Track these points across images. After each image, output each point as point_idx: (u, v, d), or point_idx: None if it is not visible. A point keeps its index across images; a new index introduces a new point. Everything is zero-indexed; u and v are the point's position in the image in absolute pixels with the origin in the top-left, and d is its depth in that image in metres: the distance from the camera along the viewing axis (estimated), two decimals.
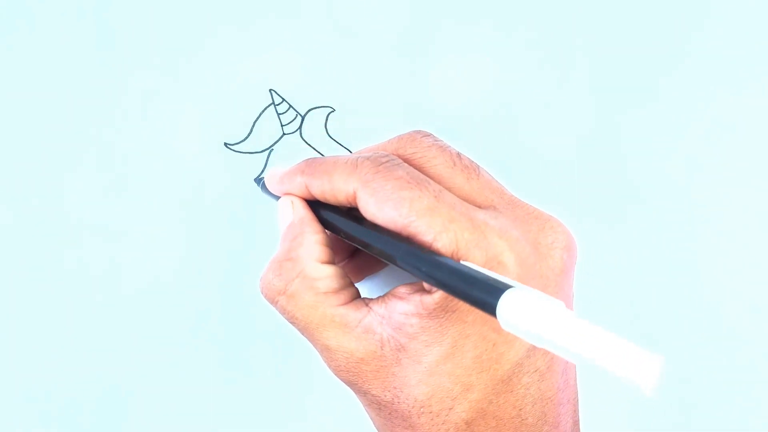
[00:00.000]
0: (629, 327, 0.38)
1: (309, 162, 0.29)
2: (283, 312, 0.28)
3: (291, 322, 0.29)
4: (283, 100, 0.40)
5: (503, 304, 0.19)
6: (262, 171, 0.40)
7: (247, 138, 0.40)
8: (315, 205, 0.29)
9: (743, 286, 0.39)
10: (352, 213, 0.28)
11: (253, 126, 0.40)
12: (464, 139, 0.39)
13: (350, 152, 0.40)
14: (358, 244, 0.27)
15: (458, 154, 0.28)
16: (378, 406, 0.28)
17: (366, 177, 0.26)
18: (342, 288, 0.28)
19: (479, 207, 0.27)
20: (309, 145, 0.40)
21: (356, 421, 0.38)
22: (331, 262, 0.28)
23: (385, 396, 0.27)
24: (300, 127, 0.40)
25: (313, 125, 0.40)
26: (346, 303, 0.27)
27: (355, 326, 0.27)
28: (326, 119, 0.40)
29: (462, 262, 0.23)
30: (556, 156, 0.39)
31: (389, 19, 0.39)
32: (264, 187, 0.33)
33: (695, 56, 0.39)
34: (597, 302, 0.38)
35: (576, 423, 0.29)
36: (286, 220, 0.29)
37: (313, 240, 0.28)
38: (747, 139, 0.39)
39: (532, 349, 0.26)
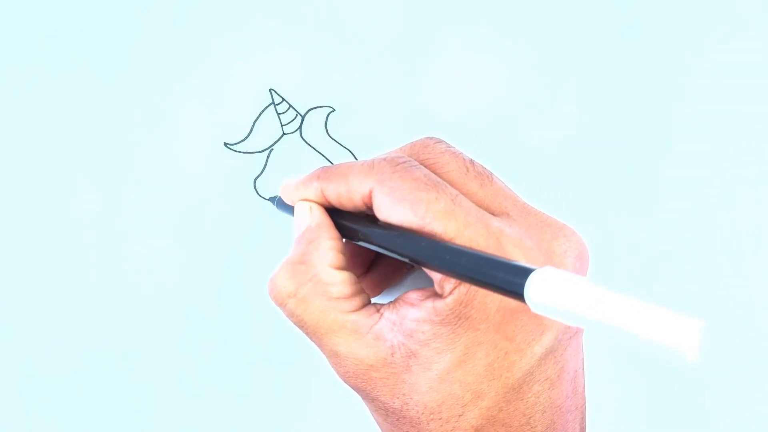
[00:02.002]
0: None
1: (324, 168, 0.29)
2: (291, 315, 0.28)
3: (299, 326, 0.28)
4: (283, 99, 0.40)
5: (532, 284, 0.19)
6: (262, 171, 0.39)
7: (247, 138, 0.40)
8: (333, 214, 0.29)
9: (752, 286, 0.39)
10: (369, 218, 0.28)
11: (253, 126, 0.39)
12: (463, 139, 0.39)
13: (351, 152, 0.40)
14: (376, 245, 0.27)
15: (471, 161, 0.28)
16: (386, 413, 0.28)
17: (383, 177, 0.26)
18: (354, 294, 0.27)
19: (493, 214, 0.27)
20: (309, 145, 0.40)
21: (359, 424, 0.38)
22: (345, 268, 0.28)
23: (394, 403, 0.27)
24: (300, 127, 0.40)
25: (313, 125, 0.40)
26: (357, 309, 0.27)
27: (365, 333, 0.27)
28: (326, 119, 0.40)
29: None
30: (556, 157, 0.39)
31: (389, 20, 0.40)
32: (280, 204, 0.33)
33: (701, 55, 0.40)
34: None
35: (583, 430, 0.29)
36: (303, 225, 0.29)
37: (329, 245, 0.28)
38: (754, 137, 0.40)
39: (543, 358, 0.26)
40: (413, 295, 0.26)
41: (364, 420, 0.38)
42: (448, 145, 0.29)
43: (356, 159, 0.40)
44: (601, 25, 0.40)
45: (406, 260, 0.26)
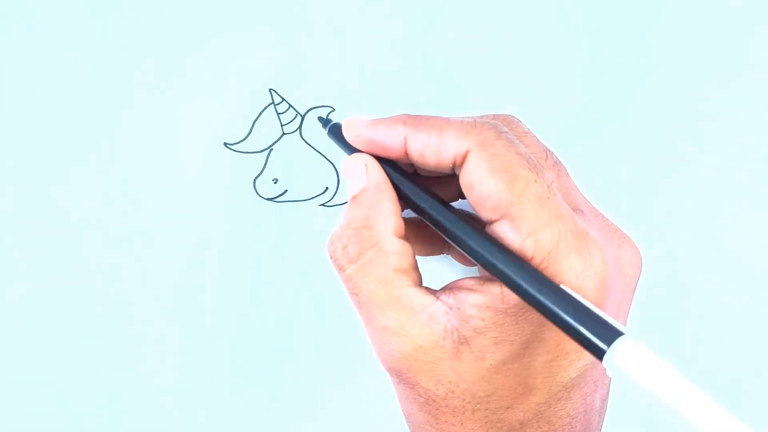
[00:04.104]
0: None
1: (413, 115, 0.26)
2: (348, 281, 0.26)
3: (352, 293, 0.26)
4: (283, 99, 0.39)
5: (618, 351, 0.20)
6: (262, 171, 0.39)
7: (247, 138, 0.39)
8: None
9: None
10: (431, 191, 0.26)
11: (253, 126, 0.39)
12: None
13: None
14: (433, 222, 0.25)
15: (548, 149, 0.27)
16: (426, 401, 0.26)
17: (486, 140, 0.24)
18: (412, 267, 0.26)
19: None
20: (309, 145, 0.40)
21: (365, 423, 0.40)
22: (404, 237, 0.26)
23: (438, 390, 0.25)
24: (300, 127, 0.39)
25: (313, 125, 0.40)
26: (414, 285, 0.25)
27: (420, 311, 0.25)
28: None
29: (563, 287, 0.23)
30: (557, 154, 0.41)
31: (389, 19, 0.40)
32: (332, 132, 0.29)
33: (701, 51, 0.40)
34: None
35: None
36: (359, 184, 0.27)
37: (390, 209, 0.26)
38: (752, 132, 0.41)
39: (595, 361, 0.25)
40: (470, 282, 0.25)
41: (370, 420, 0.40)
42: (528, 128, 0.28)
43: None
44: (601, 20, 0.41)
45: (470, 258, 0.25)
